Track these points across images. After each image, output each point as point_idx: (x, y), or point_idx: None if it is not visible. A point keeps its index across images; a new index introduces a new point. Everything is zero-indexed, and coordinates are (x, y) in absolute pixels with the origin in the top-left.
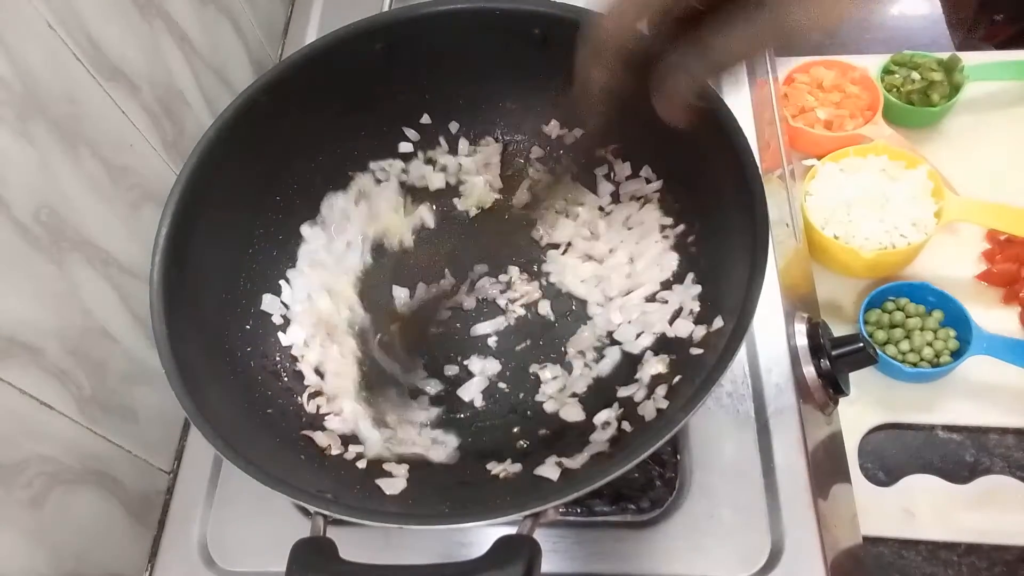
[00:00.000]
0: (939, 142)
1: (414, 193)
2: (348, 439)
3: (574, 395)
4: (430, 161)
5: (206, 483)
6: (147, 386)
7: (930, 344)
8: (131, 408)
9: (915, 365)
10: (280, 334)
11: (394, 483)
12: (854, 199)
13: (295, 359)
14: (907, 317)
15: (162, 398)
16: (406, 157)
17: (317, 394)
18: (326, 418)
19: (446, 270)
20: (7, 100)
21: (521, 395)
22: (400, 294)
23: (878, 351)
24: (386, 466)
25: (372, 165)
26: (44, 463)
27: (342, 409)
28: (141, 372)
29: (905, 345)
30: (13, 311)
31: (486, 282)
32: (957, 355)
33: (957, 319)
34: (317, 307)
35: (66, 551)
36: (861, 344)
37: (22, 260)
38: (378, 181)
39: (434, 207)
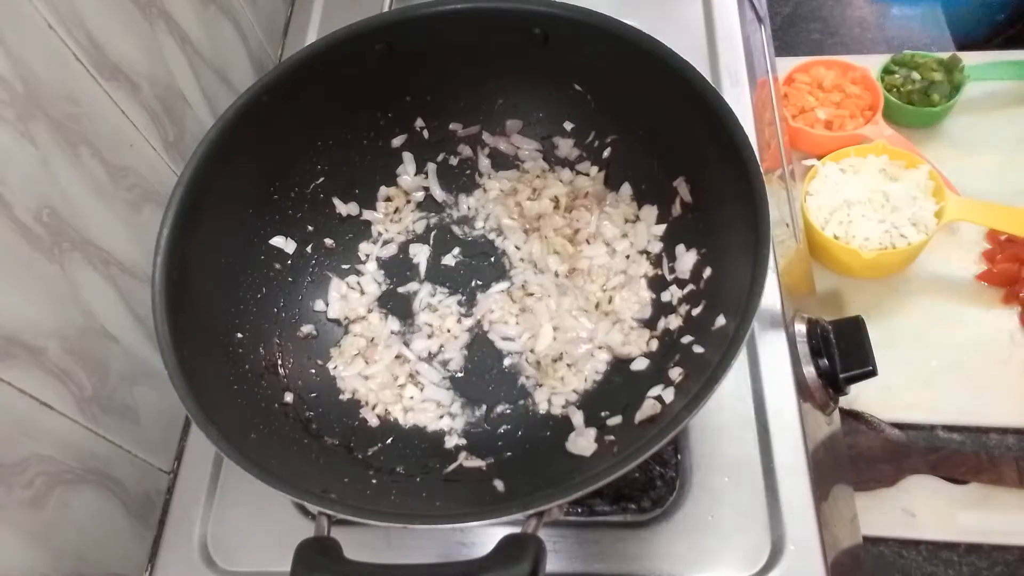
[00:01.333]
0: (939, 142)
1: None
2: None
3: (573, 398)
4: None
5: (206, 483)
6: (147, 386)
7: None
8: (131, 408)
9: None
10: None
11: None
12: (854, 199)
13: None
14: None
15: (162, 398)
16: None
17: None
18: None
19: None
20: (8, 100)
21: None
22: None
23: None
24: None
25: (373, 164)
26: (44, 463)
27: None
28: (141, 372)
29: None
30: (14, 311)
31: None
32: None
33: None
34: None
35: (66, 551)
36: (871, 368)
37: (23, 260)
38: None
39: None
